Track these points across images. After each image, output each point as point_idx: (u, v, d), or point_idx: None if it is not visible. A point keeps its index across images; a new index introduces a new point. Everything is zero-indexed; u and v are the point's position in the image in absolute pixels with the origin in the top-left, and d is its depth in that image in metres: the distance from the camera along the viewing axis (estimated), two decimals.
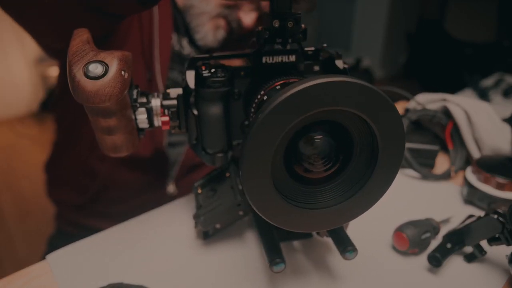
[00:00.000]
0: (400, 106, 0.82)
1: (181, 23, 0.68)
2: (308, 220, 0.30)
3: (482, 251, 0.43)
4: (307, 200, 0.31)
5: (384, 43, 3.21)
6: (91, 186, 0.71)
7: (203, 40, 0.68)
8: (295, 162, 0.30)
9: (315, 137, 0.30)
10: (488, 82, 1.17)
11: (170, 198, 0.72)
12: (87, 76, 0.29)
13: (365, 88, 0.25)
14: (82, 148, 0.70)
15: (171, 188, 0.73)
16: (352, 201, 0.31)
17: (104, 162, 0.68)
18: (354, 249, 0.37)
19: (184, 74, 0.38)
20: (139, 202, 0.72)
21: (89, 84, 0.29)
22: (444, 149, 0.67)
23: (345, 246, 0.37)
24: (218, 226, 0.45)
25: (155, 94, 0.39)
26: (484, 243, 0.42)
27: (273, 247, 0.38)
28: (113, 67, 0.30)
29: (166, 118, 0.39)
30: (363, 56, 3.10)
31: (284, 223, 0.30)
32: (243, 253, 0.46)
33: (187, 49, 0.70)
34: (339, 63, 0.38)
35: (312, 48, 0.40)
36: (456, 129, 0.65)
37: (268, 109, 0.25)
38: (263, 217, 0.29)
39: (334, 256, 0.45)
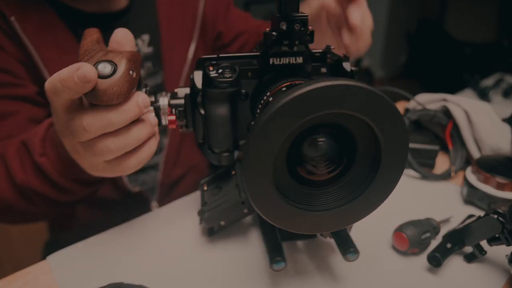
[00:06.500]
0: (400, 106, 0.83)
1: None
2: (309, 222, 0.30)
3: (482, 251, 0.43)
4: (309, 202, 0.31)
5: (384, 43, 3.21)
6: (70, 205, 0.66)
7: None
8: (298, 164, 0.30)
9: (319, 139, 0.30)
10: (488, 82, 1.18)
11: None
12: None
13: (368, 92, 0.25)
14: None
15: (153, 206, 0.71)
16: (355, 204, 0.31)
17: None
18: (355, 251, 0.38)
19: (192, 74, 0.39)
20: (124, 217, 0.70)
21: (98, 83, 0.30)
22: (444, 149, 0.68)
23: (347, 247, 0.38)
24: (222, 223, 0.45)
25: (163, 93, 0.40)
26: (484, 243, 0.43)
27: (275, 245, 0.38)
28: (122, 67, 0.31)
29: (173, 117, 0.40)
30: (363, 56, 3.10)
31: (286, 224, 0.30)
32: (247, 252, 0.46)
33: (144, 49, 0.66)
34: (346, 66, 0.38)
35: (320, 50, 0.40)
36: (456, 129, 0.65)
37: (269, 113, 0.25)
38: (264, 218, 0.29)
39: (336, 257, 0.45)
